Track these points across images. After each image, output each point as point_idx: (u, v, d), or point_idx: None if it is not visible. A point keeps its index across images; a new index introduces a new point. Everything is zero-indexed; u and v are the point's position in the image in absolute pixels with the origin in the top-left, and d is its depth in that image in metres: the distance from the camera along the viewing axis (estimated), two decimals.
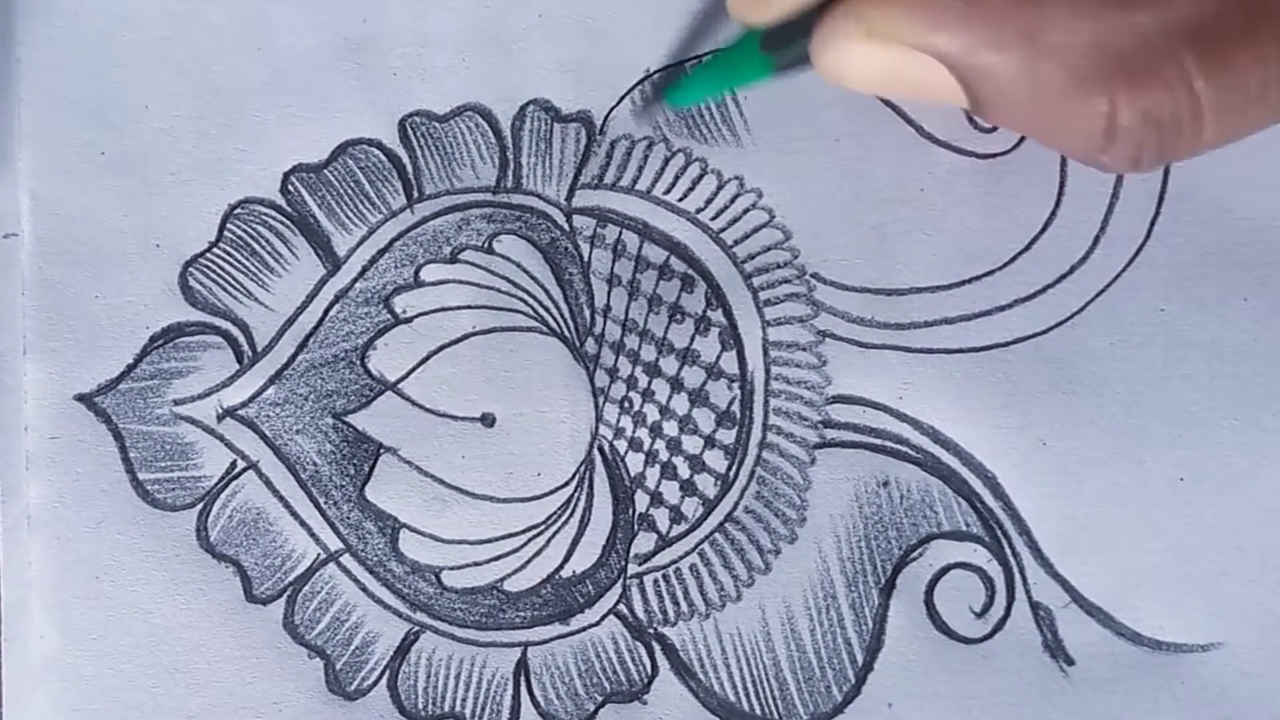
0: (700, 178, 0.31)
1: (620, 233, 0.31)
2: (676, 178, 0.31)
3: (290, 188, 0.31)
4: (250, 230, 0.31)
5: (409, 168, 0.31)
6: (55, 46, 0.31)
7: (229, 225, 0.31)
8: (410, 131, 0.31)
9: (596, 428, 0.30)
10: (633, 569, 0.30)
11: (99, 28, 0.31)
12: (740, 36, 0.28)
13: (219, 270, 0.31)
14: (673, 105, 0.30)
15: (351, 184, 0.31)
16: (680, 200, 0.31)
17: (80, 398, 0.30)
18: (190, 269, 0.31)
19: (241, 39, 0.31)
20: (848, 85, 0.26)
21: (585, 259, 0.31)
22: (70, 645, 0.30)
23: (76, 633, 0.30)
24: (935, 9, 0.24)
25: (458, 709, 0.30)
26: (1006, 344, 0.30)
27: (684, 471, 0.30)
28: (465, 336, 0.30)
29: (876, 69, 0.25)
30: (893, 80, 0.25)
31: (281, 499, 0.30)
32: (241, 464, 0.30)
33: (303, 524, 0.30)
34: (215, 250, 0.31)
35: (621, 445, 0.30)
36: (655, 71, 0.31)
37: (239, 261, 0.31)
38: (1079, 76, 0.23)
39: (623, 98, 0.31)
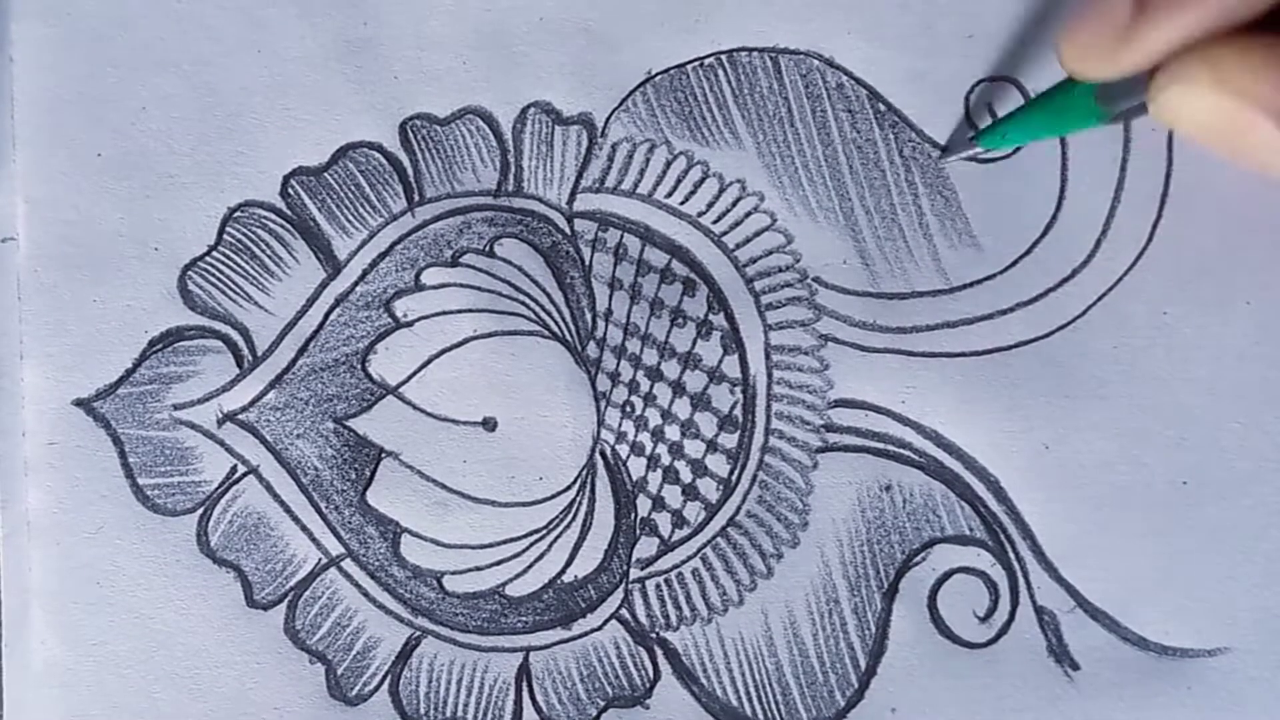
0: (702, 181, 0.31)
1: (622, 236, 0.31)
2: (678, 181, 0.31)
3: (290, 191, 0.31)
4: (250, 234, 0.30)
5: (410, 171, 0.31)
6: (50, 46, 0.31)
7: (228, 228, 0.30)
8: (411, 134, 0.31)
9: (598, 432, 0.30)
10: (635, 573, 0.30)
11: (94, 27, 0.31)
12: (1064, 84, 0.28)
13: (218, 274, 0.30)
14: (989, 147, 0.30)
15: (352, 187, 0.31)
16: (682, 204, 0.31)
17: (79, 403, 0.30)
18: (189, 273, 0.30)
19: (241, 40, 0.31)
20: (1180, 129, 0.26)
21: (587, 262, 0.31)
22: (71, 651, 0.30)
23: (77, 638, 0.30)
24: None
25: (460, 714, 0.30)
26: (1009, 348, 0.30)
27: (686, 476, 0.30)
28: (466, 340, 0.30)
29: (1214, 120, 0.24)
30: (1230, 135, 0.24)
31: (282, 504, 0.30)
32: (242, 469, 0.30)
33: (304, 529, 0.30)
34: (215, 254, 0.30)
35: (623, 449, 0.30)
36: (658, 73, 0.31)
37: (239, 265, 0.30)
38: None
39: (624, 100, 0.31)
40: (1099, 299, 0.30)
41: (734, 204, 0.31)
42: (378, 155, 0.31)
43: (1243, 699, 0.29)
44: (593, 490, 0.30)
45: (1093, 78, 0.27)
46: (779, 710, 0.30)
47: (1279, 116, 0.24)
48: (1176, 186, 0.30)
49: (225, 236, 0.30)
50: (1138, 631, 0.29)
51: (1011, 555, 0.30)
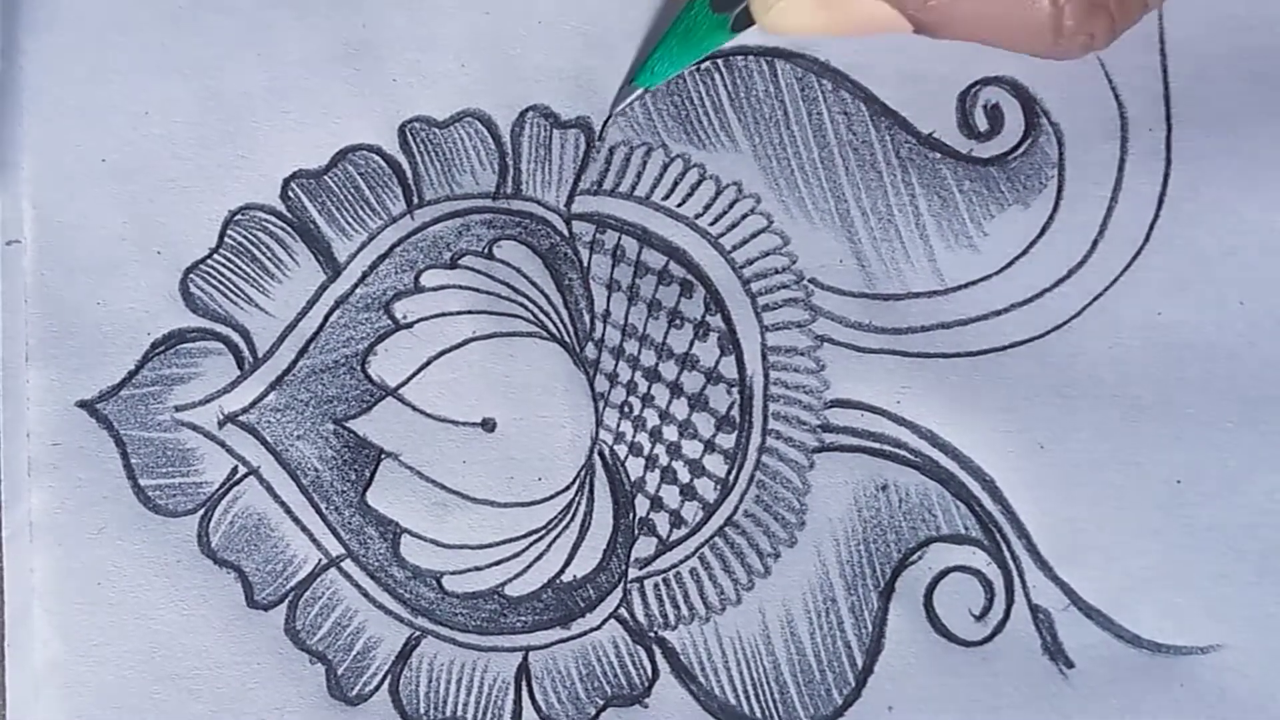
0: (699, 183, 0.31)
1: (619, 238, 0.31)
2: (675, 183, 0.31)
3: (291, 194, 0.31)
4: (251, 236, 0.31)
5: (409, 174, 0.31)
6: (57, 54, 0.31)
7: (230, 231, 0.31)
8: (410, 137, 0.31)
9: (597, 432, 0.30)
10: (633, 573, 0.30)
11: (100, 34, 0.31)
12: (690, 5, 0.29)
13: (220, 276, 0.31)
14: (644, 85, 0.30)
15: (352, 190, 0.31)
16: (679, 206, 0.31)
17: (82, 404, 0.30)
18: (191, 275, 0.31)
19: (242, 45, 0.31)
20: (793, 34, 0.27)
21: (585, 264, 0.31)
22: (73, 651, 0.30)
23: (79, 639, 0.30)
24: None
25: (459, 714, 0.30)
26: (1004, 348, 0.30)
27: (684, 476, 0.31)
28: (466, 342, 0.31)
29: (816, 13, 0.26)
30: (836, 20, 0.26)
31: (283, 505, 0.30)
32: (243, 470, 0.30)
33: (304, 529, 0.30)
34: (216, 257, 0.31)
35: (621, 450, 0.31)
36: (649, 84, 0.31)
37: (240, 268, 0.31)
38: None
39: (622, 105, 0.31)
40: (1094, 299, 0.30)
41: (731, 206, 0.31)
42: (377, 158, 0.31)
43: (1236, 696, 0.29)
44: (591, 490, 0.30)
45: None
46: (777, 708, 0.30)
47: None
48: (1173, 187, 0.31)
49: (226, 239, 0.31)
50: (1132, 629, 0.30)
51: (1007, 554, 0.30)
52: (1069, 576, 0.30)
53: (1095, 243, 0.31)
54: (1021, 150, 0.31)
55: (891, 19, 0.25)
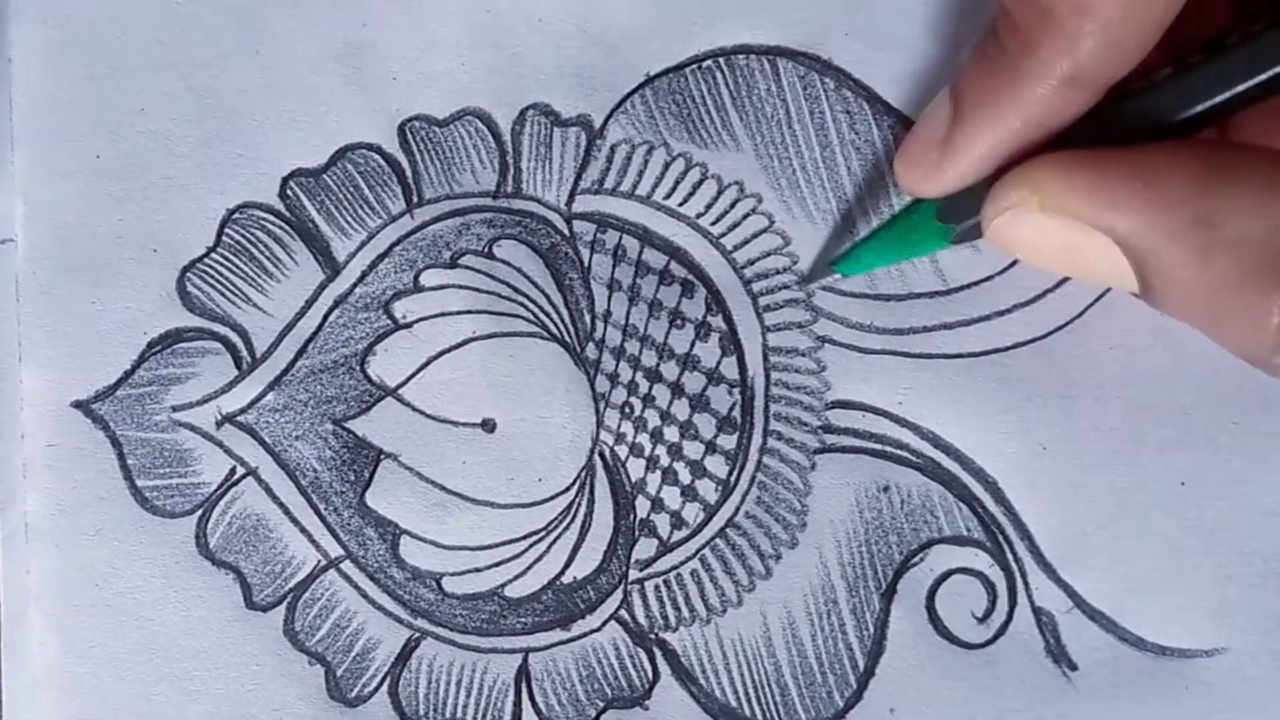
0: (700, 183, 0.31)
1: (620, 238, 0.31)
2: (677, 183, 0.31)
3: (289, 192, 0.31)
4: (249, 235, 0.30)
5: (408, 172, 0.31)
6: (48, 48, 0.30)
7: (227, 230, 0.30)
8: (410, 136, 0.31)
9: (597, 433, 0.30)
10: (634, 574, 0.30)
11: (93, 29, 0.31)
12: (912, 206, 0.28)
13: (217, 276, 0.30)
14: (846, 274, 0.30)
15: (351, 189, 0.31)
16: (680, 205, 0.31)
17: (77, 405, 0.30)
18: (188, 274, 0.30)
19: (240, 42, 0.31)
20: (1019, 256, 0.26)
21: (585, 264, 0.31)
22: (70, 653, 0.30)
23: (76, 641, 0.30)
24: (1110, 186, 0.23)
25: (459, 715, 0.30)
26: (1006, 349, 0.30)
27: (685, 477, 0.30)
28: (465, 342, 0.30)
29: (1048, 243, 0.24)
30: (1064, 256, 0.24)
31: (281, 505, 0.30)
32: (241, 470, 0.30)
33: (303, 530, 0.30)
34: (213, 255, 0.30)
35: (622, 451, 0.30)
36: (655, 75, 0.31)
37: (237, 267, 0.30)
38: (1253, 272, 0.22)
39: (622, 102, 0.31)
40: (1096, 299, 0.30)
41: (732, 205, 0.31)
42: (376, 157, 0.31)
43: (1240, 699, 0.29)
44: (592, 491, 0.30)
45: (922, 193, 0.27)
46: (778, 711, 0.30)
47: (1106, 228, 0.23)
48: None
49: (224, 238, 0.30)
50: (1135, 632, 0.30)
51: (1009, 556, 0.30)
52: (1072, 578, 0.30)
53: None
54: None
55: (1122, 271, 0.24)
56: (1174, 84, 0.24)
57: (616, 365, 0.30)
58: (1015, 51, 0.24)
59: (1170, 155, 0.23)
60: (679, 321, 0.31)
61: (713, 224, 0.31)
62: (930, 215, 0.27)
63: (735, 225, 0.31)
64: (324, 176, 0.31)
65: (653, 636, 0.30)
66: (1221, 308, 0.23)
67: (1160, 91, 0.24)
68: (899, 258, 0.30)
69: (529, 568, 0.30)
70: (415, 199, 0.31)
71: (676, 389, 0.30)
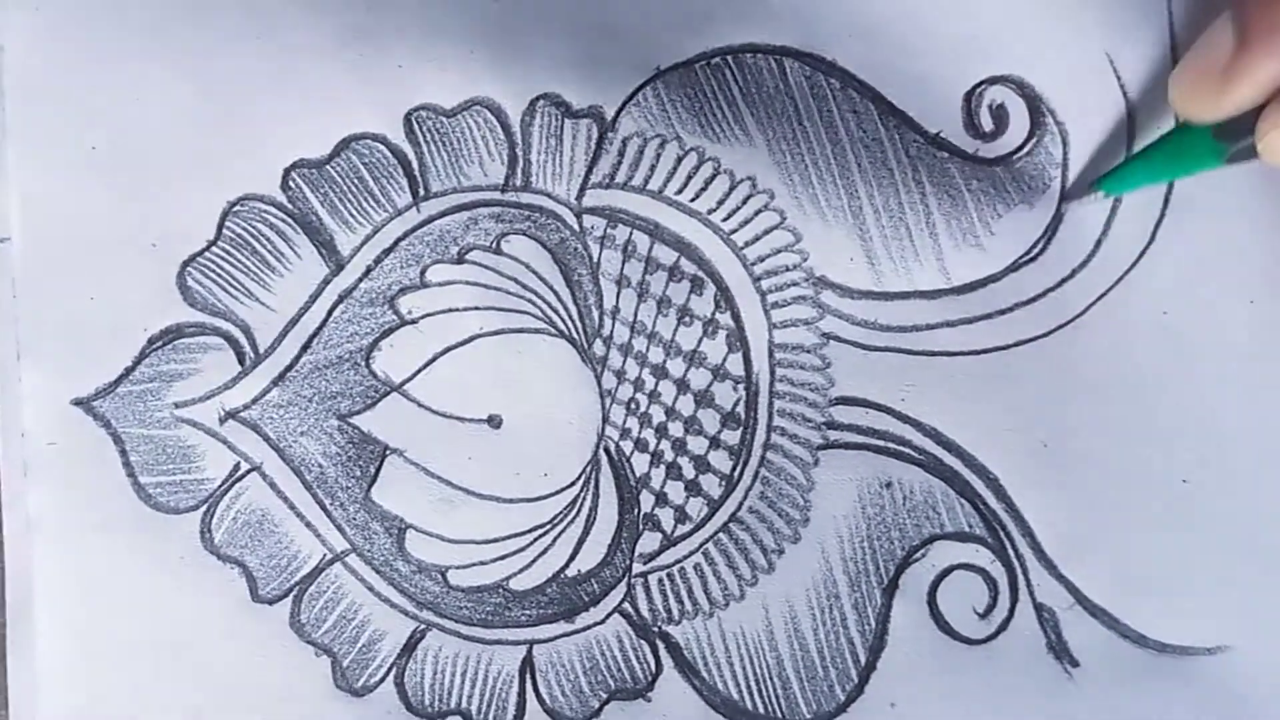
0: (713, 178, 0.30)
1: (631, 233, 0.30)
2: (689, 177, 0.30)
3: (291, 184, 0.30)
4: (250, 228, 0.30)
5: (415, 164, 0.30)
6: (39, 35, 0.29)
7: (228, 223, 0.30)
8: (416, 126, 0.30)
9: (603, 429, 0.30)
10: (637, 568, 0.30)
11: (87, 15, 0.29)
12: (1180, 126, 0.28)
13: (218, 270, 0.30)
14: (1111, 193, 0.30)
15: (355, 181, 0.30)
16: (692, 200, 0.30)
17: (78, 402, 0.30)
18: (188, 268, 0.30)
19: (239, 28, 0.30)
20: None
21: (595, 260, 0.30)
22: (75, 649, 0.29)
23: (81, 636, 0.29)
24: None
25: (464, 706, 0.30)
26: (1009, 346, 0.30)
27: (689, 472, 0.31)
28: (472, 338, 0.30)
29: None
30: None
31: (286, 501, 0.30)
32: (245, 466, 0.30)
33: (308, 525, 0.30)
34: (214, 249, 0.30)
35: (627, 446, 0.30)
36: (665, 69, 0.30)
37: (239, 261, 0.30)
38: None
39: (635, 94, 0.30)
40: (1099, 298, 0.30)
41: (744, 201, 0.30)
42: (381, 147, 0.30)
43: (1242, 696, 0.30)
44: (597, 486, 0.30)
45: (1201, 119, 0.27)
46: (780, 704, 0.30)
47: None
48: (1179, 186, 0.30)
49: (225, 231, 0.30)
50: (1137, 629, 0.30)
51: (1011, 552, 0.30)
52: (1073, 575, 0.30)
53: (1100, 241, 0.31)
54: (1026, 150, 0.30)
55: None
56: None
57: (624, 362, 0.30)
58: None
59: None
60: (687, 318, 0.30)
61: (724, 220, 0.30)
62: (1203, 136, 0.27)
63: (747, 221, 0.30)
64: (327, 168, 0.30)
65: (656, 629, 0.30)
66: None
67: None
68: (1168, 177, 0.30)
69: (534, 561, 0.30)
70: (422, 192, 0.30)
71: (682, 385, 0.30)
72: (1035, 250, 0.30)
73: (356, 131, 0.30)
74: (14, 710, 0.29)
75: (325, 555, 0.30)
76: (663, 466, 0.30)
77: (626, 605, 0.30)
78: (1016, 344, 0.31)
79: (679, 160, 0.30)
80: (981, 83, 0.30)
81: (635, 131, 0.30)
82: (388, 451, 0.30)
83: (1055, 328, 0.30)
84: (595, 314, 0.30)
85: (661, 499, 0.31)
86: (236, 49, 0.30)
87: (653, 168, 0.30)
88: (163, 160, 0.30)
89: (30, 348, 0.29)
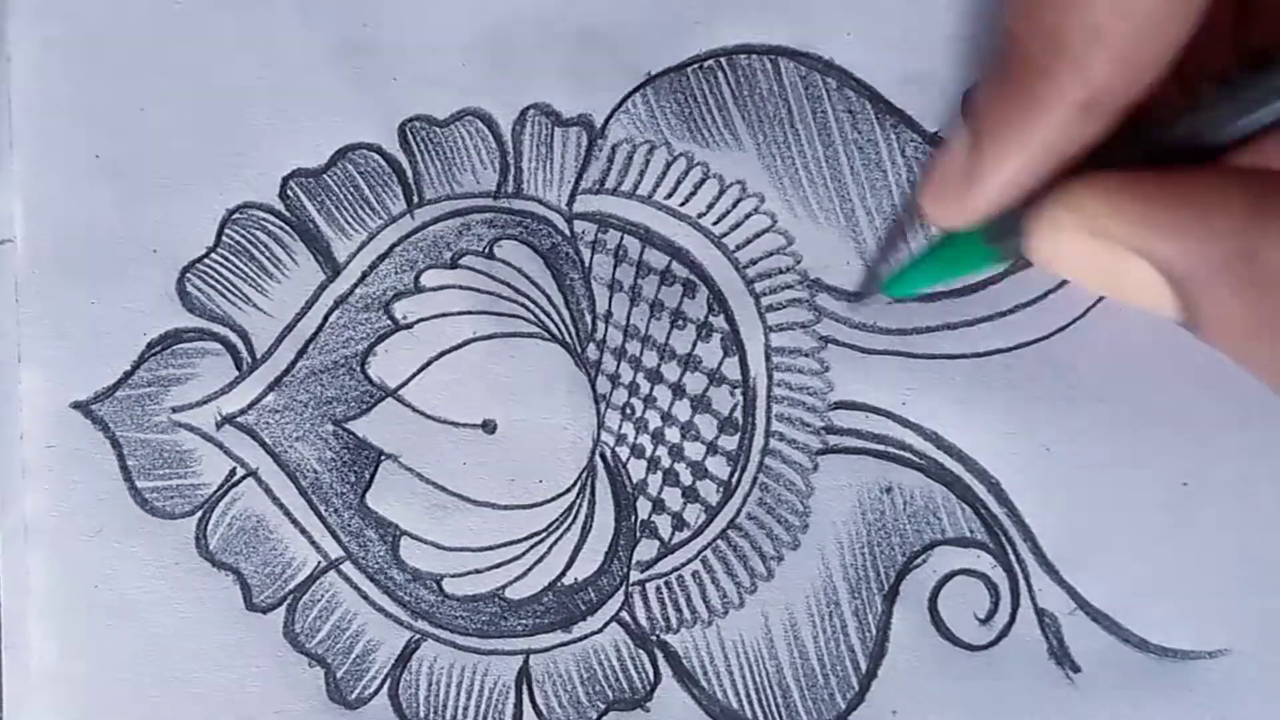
0: (702, 182, 0.30)
1: (622, 238, 0.30)
2: (678, 183, 0.30)
3: (289, 193, 0.30)
4: (249, 235, 0.30)
5: (409, 172, 0.31)
6: (47, 46, 0.30)
7: (227, 230, 0.30)
8: (410, 136, 0.31)
9: (598, 434, 0.30)
10: (635, 576, 0.30)
11: (92, 28, 0.30)
12: (952, 234, 0.28)
13: (217, 276, 0.30)
14: (894, 296, 0.30)
15: (351, 189, 0.30)
16: (682, 205, 0.30)
17: (77, 405, 0.30)
18: (188, 275, 0.30)
19: (239, 41, 0.30)
20: (1063, 276, 0.26)
21: (587, 264, 0.30)
22: (70, 654, 0.29)
23: (76, 642, 0.29)
24: (1154, 211, 0.23)
25: (460, 718, 0.30)
26: (1009, 349, 0.30)
27: (686, 478, 0.30)
28: (466, 342, 0.30)
29: (1091, 264, 0.24)
30: (1109, 278, 0.24)
31: (281, 507, 0.30)
32: (241, 471, 0.30)
33: (303, 532, 0.30)
34: (213, 256, 0.30)
35: (623, 452, 0.30)
36: (656, 75, 0.30)
37: (237, 267, 0.30)
38: None
39: (623, 101, 0.30)
40: (1100, 299, 0.30)
41: (734, 205, 0.30)
42: (377, 157, 0.30)
43: (1244, 701, 0.29)
44: (593, 493, 0.30)
45: (951, 225, 0.27)
46: (779, 713, 0.30)
47: (1149, 255, 0.23)
48: None
49: (224, 238, 0.30)
50: (1139, 634, 0.29)
51: (1012, 557, 0.30)
52: (1075, 580, 0.29)
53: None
54: None
55: (1165, 299, 0.23)
56: (1199, 110, 0.24)
57: (618, 366, 0.30)
58: (1029, 78, 0.24)
59: (1213, 183, 0.23)
60: (680, 322, 0.30)
61: (714, 224, 0.30)
62: (978, 240, 0.27)
63: (737, 225, 0.30)
64: (324, 176, 0.30)
65: (654, 638, 0.30)
66: (1263, 343, 0.23)
67: (1188, 116, 0.24)
68: (948, 278, 0.29)
69: (530, 569, 0.30)
70: (416, 199, 0.31)
71: (678, 390, 0.30)
72: None
73: (352, 142, 0.30)
74: (9, 713, 0.29)
75: (320, 563, 0.30)
76: (659, 473, 0.30)
77: (624, 614, 0.30)
78: (1017, 346, 0.30)
79: (668, 165, 0.30)
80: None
81: (624, 138, 0.30)
82: (382, 457, 0.30)
83: (1056, 330, 0.30)
84: (588, 318, 0.30)
85: (659, 506, 0.30)
86: (237, 62, 0.30)
87: (642, 173, 0.30)
88: (164, 169, 0.30)
89: (30, 350, 0.30)
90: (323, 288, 0.30)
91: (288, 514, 0.30)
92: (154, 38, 0.30)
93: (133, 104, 0.30)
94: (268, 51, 0.30)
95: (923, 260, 0.29)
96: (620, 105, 0.30)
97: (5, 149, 0.30)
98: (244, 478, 0.30)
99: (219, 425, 0.30)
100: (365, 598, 0.30)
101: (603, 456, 0.30)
